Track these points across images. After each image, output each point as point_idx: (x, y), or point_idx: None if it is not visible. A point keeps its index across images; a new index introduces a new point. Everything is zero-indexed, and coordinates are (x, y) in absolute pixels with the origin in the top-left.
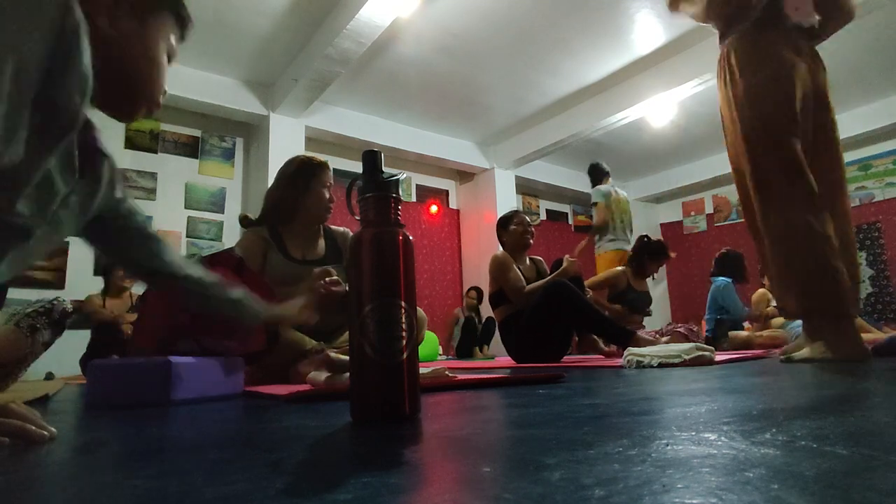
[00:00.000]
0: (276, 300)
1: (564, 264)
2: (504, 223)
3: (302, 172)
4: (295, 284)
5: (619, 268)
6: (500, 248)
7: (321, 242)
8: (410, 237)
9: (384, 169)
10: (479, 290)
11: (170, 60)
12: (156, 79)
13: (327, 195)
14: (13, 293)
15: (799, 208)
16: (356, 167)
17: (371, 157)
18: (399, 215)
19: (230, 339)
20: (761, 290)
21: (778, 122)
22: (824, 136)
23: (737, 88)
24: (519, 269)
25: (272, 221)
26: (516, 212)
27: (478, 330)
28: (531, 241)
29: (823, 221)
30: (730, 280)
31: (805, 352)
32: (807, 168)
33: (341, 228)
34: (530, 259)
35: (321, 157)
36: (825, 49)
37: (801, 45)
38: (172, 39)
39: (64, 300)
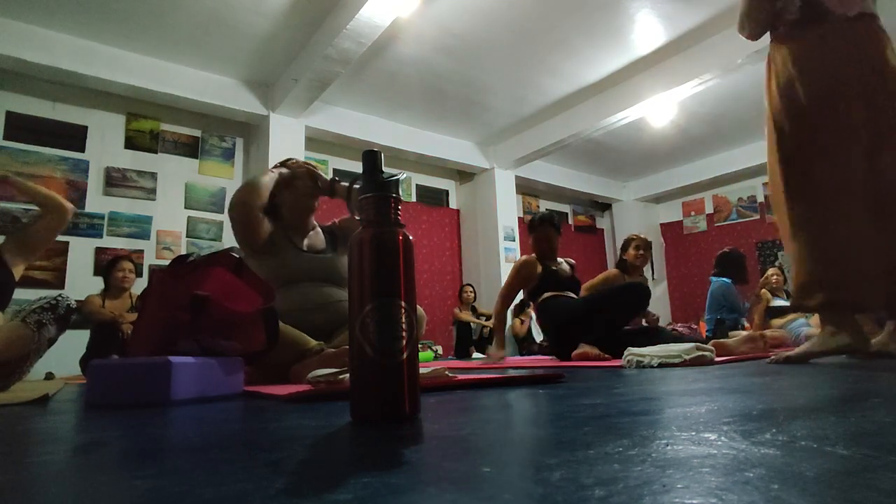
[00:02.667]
0: (275, 299)
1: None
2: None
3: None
4: (313, 273)
5: (614, 270)
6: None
7: (320, 235)
8: (410, 237)
9: (384, 169)
10: (474, 287)
11: None
12: None
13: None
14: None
15: (836, 197)
16: (356, 167)
17: (371, 157)
18: (399, 215)
19: (230, 339)
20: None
21: (825, 112)
22: (888, 113)
23: (779, 89)
24: (553, 269)
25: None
26: (538, 219)
27: (472, 331)
28: (550, 251)
29: (860, 214)
30: (729, 281)
31: (805, 347)
32: (851, 157)
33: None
34: (565, 261)
35: (317, 157)
36: None
37: (852, 30)
38: None
39: (68, 296)
